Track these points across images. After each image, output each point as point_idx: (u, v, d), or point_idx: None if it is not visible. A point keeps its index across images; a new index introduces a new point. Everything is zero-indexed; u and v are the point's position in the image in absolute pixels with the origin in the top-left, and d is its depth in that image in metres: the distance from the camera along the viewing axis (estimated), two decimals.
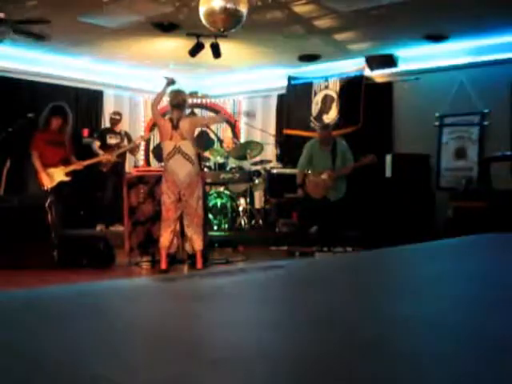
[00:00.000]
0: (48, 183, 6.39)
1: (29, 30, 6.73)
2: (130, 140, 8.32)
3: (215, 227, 8.13)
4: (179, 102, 5.44)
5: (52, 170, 6.44)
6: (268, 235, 7.94)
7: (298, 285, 0.95)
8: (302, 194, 6.97)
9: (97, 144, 8.14)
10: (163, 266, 5.41)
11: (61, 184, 6.46)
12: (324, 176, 6.77)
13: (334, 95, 9.10)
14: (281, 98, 9.86)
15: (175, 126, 5.32)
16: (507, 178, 7.02)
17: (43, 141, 6.41)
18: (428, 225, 7.31)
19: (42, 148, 6.38)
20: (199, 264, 5.42)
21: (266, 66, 9.28)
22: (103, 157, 7.57)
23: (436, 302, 0.79)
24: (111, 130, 8.41)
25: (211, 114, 9.66)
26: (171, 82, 5.70)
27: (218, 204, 8.31)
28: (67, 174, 6.51)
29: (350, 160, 6.82)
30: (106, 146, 8.12)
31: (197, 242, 5.40)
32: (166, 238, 5.39)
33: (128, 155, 8.51)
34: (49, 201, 5.81)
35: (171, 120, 5.37)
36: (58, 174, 6.47)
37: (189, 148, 5.31)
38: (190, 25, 6.93)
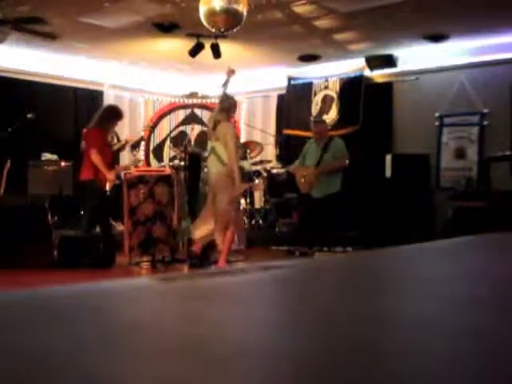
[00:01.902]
0: (112, 183, 6.33)
1: (35, 29, 6.71)
2: (118, 139, 8.28)
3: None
4: (228, 105, 5.72)
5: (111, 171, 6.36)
6: (268, 235, 7.94)
7: (298, 285, 0.96)
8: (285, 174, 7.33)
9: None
10: (196, 250, 5.68)
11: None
12: (306, 171, 6.79)
13: (334, 95, 9.11)
14: (281, 98, 9.86)
15: (214, 128, 5.62)
16: (507, 178, 7.03)
17: (102, 141, 6.31)
18: (428, 225, 7.32)
19: (100, 148, 6.27)
20: (220, 262, 5.52)
21: (266, 66, 9.28)
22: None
23: (436, 302, 0.79)
24: None
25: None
26: (231, 72, 6.05)
27: None
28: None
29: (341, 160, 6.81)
30: None
31: (218, 240, 5.57)
32: (199, 234, 5.76)
33: (128, 154, 8.51)
34: (48, 201, 5.81)
35: (214, 122, 5.66)
36: (114, 176, 6.40)
37: (221, 149, 5.51)
38: (190, 25, 6.94)
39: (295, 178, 6.98)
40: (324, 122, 7.58)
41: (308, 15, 6.77)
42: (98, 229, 7.88)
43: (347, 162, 6.74)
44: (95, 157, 6.03)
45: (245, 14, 5.77)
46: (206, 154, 5.87)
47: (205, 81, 10.48)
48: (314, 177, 6.72)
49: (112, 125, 6.40)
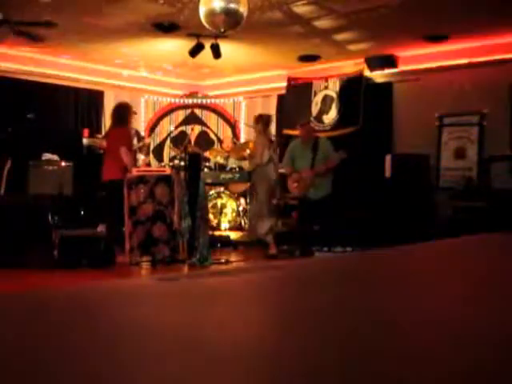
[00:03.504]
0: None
1: (28, 31, 6.71)
2: (139, 138, 8.30)
3: (215, 227, 8.13)
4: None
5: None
6: None
7: (298, 285, 0.96)
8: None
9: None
10: (272, 250, 6.66)
11: None
12: (298, 176, 6.80)
13: (334, 95, 9.10)
14: (281, 98, 9.85)
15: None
16: (507, 178, 7.02)
17: (131, 140, 6.35)
18: (428, 225, 7.31)
19: (129, 147, 6.25)
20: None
21: (266, 66, 9.28)
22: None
23: (435, 302, 0.79)
24: None
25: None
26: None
27: (218, 204, 8.31)
28: None
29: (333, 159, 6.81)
30: None
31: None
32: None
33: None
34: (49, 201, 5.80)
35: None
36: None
37: None
38: (190, 25, 6.94)
39: (287, 182, 7.02)
40: (309, 123, 7.61)
41: (308, 15, 6.76)
42: (98, 228, 7.92)
43: (337, 161, 6.78)
44: (127, 156, 6.05)
45: (245, 14, 5.76)
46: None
47: (205, 81, 10.48)
48: (311, 179, 6.73)
49: (131, 122, 6.46)
